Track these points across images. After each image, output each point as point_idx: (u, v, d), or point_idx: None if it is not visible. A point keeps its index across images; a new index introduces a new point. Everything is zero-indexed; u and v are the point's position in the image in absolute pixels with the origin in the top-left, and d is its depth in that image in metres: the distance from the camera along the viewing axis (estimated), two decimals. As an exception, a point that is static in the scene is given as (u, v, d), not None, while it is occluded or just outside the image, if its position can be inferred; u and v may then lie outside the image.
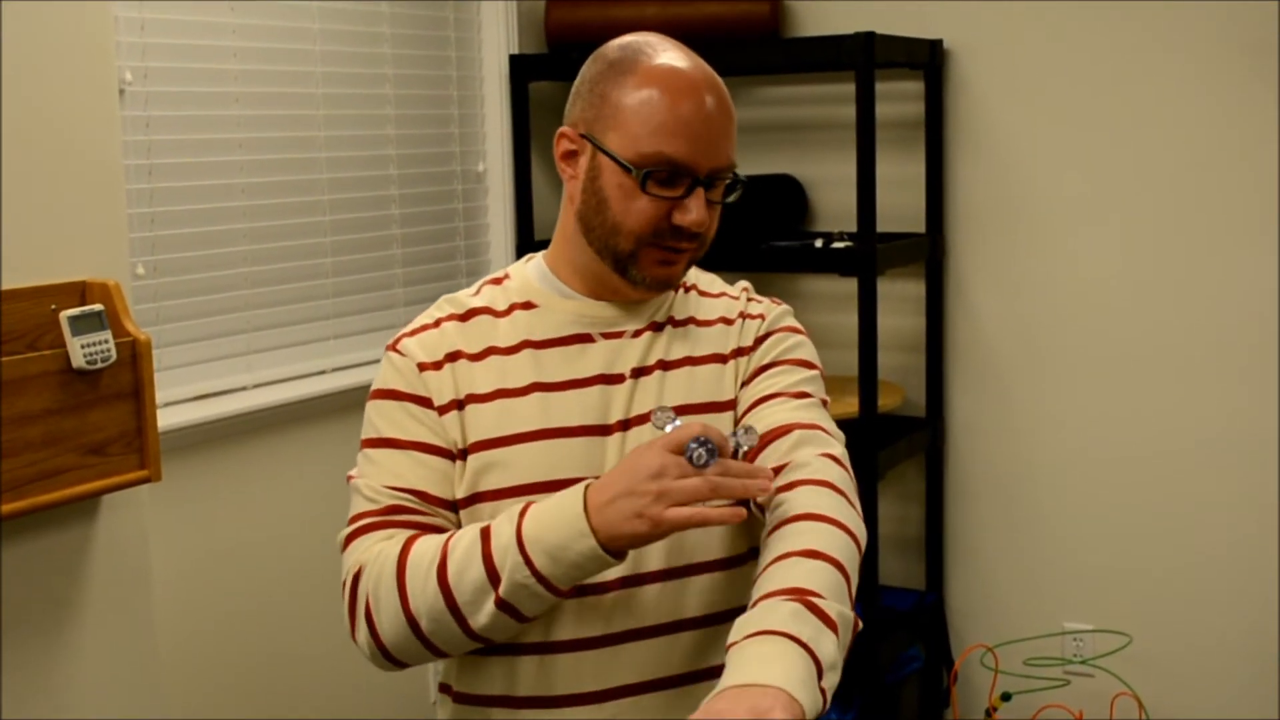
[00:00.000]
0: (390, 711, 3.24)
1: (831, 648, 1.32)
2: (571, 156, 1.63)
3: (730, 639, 1.33)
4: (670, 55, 1.59)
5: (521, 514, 1.47)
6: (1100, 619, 3.40)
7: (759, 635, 1.30)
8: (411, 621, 1.50)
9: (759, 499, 1.56)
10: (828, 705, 1.30)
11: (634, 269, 1.60)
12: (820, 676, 1.29)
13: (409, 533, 1.56)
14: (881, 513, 3.52)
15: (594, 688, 1.58)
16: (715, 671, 1.60)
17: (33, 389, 2.04)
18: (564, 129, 1.63)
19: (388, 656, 1.55)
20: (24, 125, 2.09)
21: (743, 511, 1.43)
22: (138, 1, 2.67)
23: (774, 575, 1.39)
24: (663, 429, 1.49)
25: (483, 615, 1.47)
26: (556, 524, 1.45)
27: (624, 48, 1.61)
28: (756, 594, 1.38)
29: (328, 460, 3.06)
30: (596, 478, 1.49)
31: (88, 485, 2.12)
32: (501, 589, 1.46)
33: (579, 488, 1.46)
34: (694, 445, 1.42)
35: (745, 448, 1.47)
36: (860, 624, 1.43)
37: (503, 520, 1.48)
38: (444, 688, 1.71)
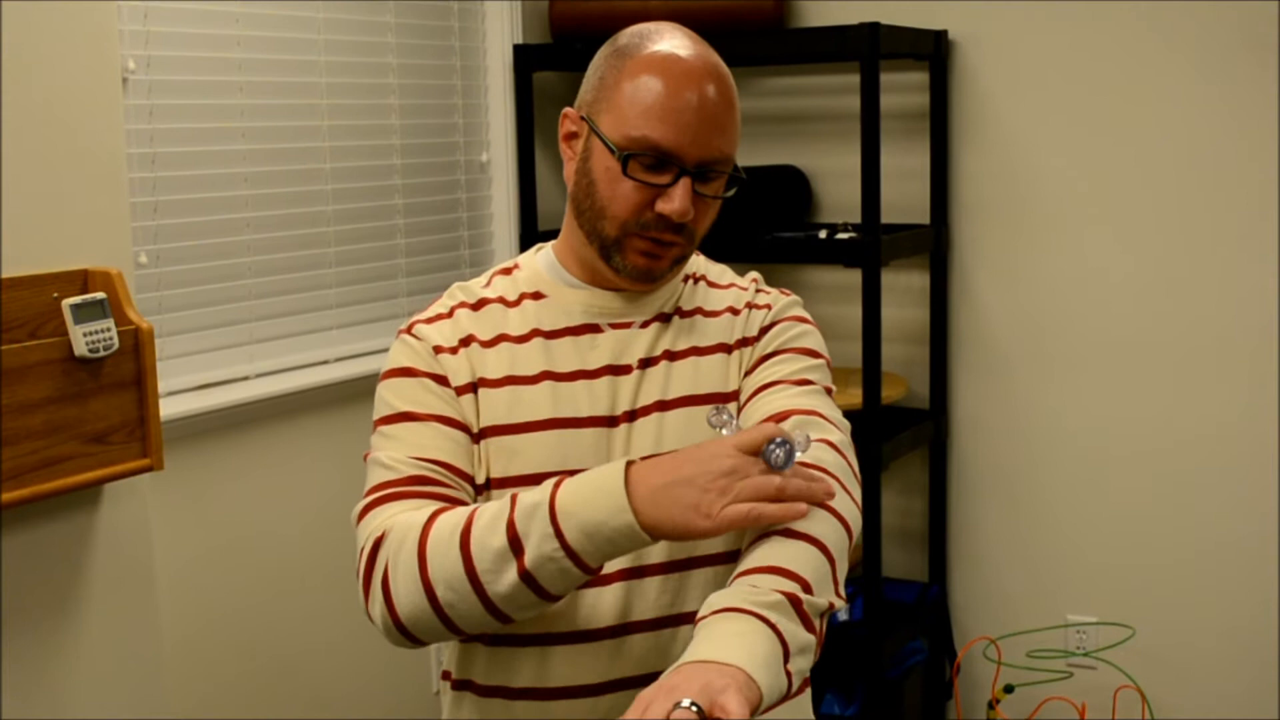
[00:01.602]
0: (392, 702, 3.25)
1: (798, 628, 1.30)
2: (573, 138, 1.63)
3: (699, 614, 1.31)
4: (674, 43, 1.57)
5: (556, 486, 1.43)
6: (1103, 612, 3.40)
7: (726, 612, 1.29)
8: (428, 590, 1.44)
9: None
10: (793, 688, 1.28)
11: (618, 256, 1.59)
12: (786, 658, 1.27)
13: (437, 504, 1.52)
14: (885, 505, 3.52)
15: (591, 681, 1.57)
16: None
17: (34, 377, 2.04)
18: (567, 109, 1.63)
19: (402, 630, 1.48)
20: (27, 114, 2.09)
21: (803, 508, 1.39)
22: (141, -10, 2.68)
23: (753, 554, 1.38)
24: (720, 431, 1.46)
25: (502, 585, 1.42)
26: (593, 499, 1.40)
27: (633, 34, 1.61)
28: (735, 572, 1.37)
29: (329, 450, 3.06)
30: (633, 461, 1.45)
31: (89, 474, 2.12)
32: (527, 560, 1.41)
33: (618, 464, 1.42)
34: (773, 446, 1.38)
35: (801, 453, 1.43)
36: (836, 605, 1.40)
37: (535, 491, 1.44)
38: (445, 674, 1.70)
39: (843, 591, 1.41)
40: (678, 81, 1.54)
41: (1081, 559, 3.42)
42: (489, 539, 1.42)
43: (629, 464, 1.42)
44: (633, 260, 1.59)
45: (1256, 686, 3.25)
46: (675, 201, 1.54)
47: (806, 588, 1.34)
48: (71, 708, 2.21)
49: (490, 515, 1.44)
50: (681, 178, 1.55)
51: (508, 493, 1.53)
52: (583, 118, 1.60)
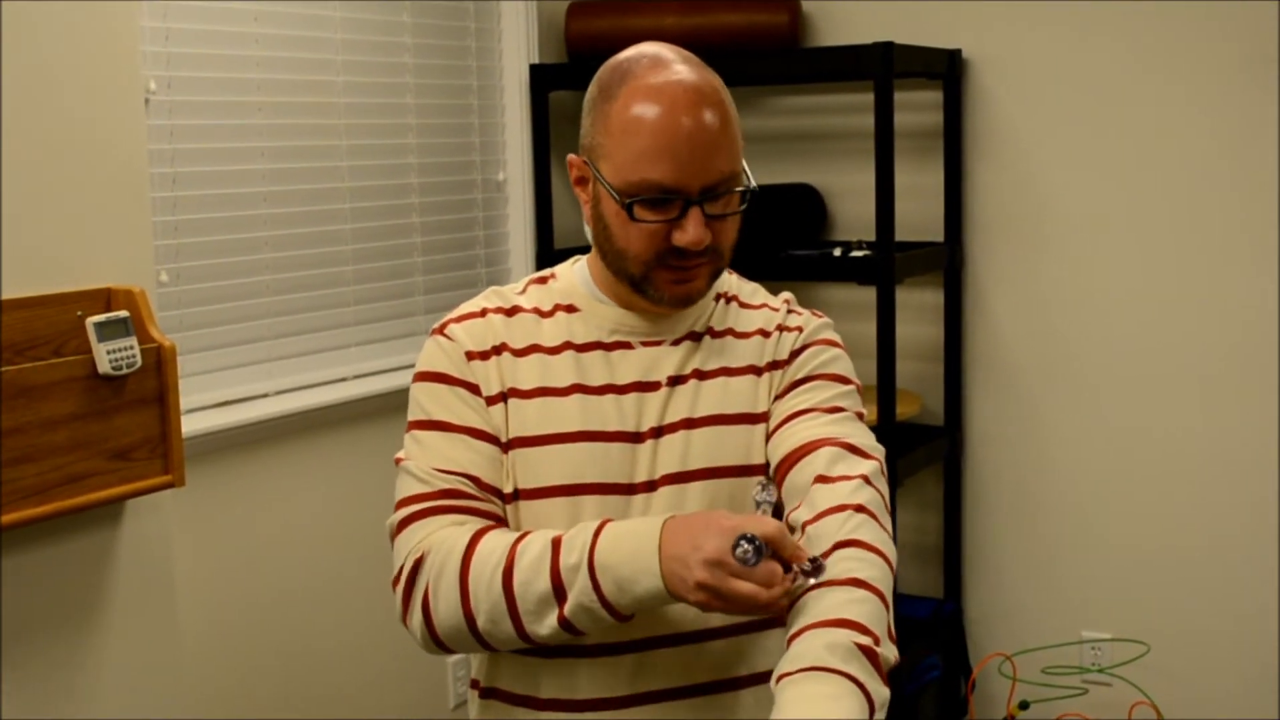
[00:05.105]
0: (410, 716, 3.26)
1: (881, 686, 1.34)
2: (583, 182, 1.63)
3: (781, 669, 1.33)
4: (655, 72, 1.55)
5: (596, 533, 1.47)
6: (1118, 628, 3.40)
7: (814, 671, 1.31)
8: (469, 617, 1.51)
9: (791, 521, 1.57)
10: None
11: (650, 290, 1.60)
12: (871, 715, 1.31)
13: (474, 522, 1.56)
14: (900, 521, 3.53)
15: (617, 693, 1.59)
16: (739, 682, 1.62)
17: (59, 394, 2.06)
18: (571, 156, 1.63)
19: (438, 643, 1.55)
20: (51, 134, 2.12)
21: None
22: (163, 3, 2.70)
23: (819, 604, 1.40)
24: (757, 507, 1.51)
25: (543, 627, 1.48)
26: (630, 557, 1.44)
27: (614, 68, 1.59)
28: (803, 620, 1.39)
29: (348, 466, 3.08)
30: (670, 519, 1.48)
31: (112, 490, 2.15)
32: (567, 609, 1.46)
33: (657, 522, 1.46)
34: (743, 542, 1.40)
35: (813, 581, 1.44)
36: (896, 658, 1.43)
37: (575, 536, 1.48)
38: (474, 683, 1.72)
39: (895, 634, 1.44)
40: (666, 114, 1.52)
41: (1096, 575, 3.42)
42: (533, 583, 1.47)
43: (665, 523, 1.46)
44: (667, 290, 1.60)
45: (1272, 703, 3.24)
46: (689, 233, 1.54)
47: (877, 640, 1.37)
48: (93, 718, 2.23)
49: (533, 557, 1.48)
50: (689, 208, 1.55)
51: (535, 505, 1.57)
52: (586, 162, 1.60)
